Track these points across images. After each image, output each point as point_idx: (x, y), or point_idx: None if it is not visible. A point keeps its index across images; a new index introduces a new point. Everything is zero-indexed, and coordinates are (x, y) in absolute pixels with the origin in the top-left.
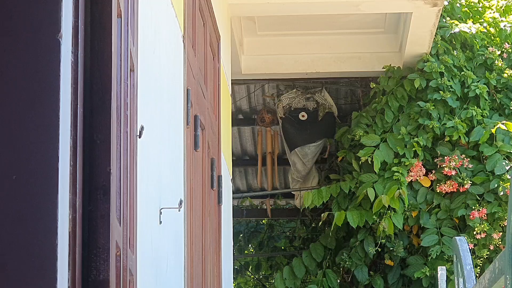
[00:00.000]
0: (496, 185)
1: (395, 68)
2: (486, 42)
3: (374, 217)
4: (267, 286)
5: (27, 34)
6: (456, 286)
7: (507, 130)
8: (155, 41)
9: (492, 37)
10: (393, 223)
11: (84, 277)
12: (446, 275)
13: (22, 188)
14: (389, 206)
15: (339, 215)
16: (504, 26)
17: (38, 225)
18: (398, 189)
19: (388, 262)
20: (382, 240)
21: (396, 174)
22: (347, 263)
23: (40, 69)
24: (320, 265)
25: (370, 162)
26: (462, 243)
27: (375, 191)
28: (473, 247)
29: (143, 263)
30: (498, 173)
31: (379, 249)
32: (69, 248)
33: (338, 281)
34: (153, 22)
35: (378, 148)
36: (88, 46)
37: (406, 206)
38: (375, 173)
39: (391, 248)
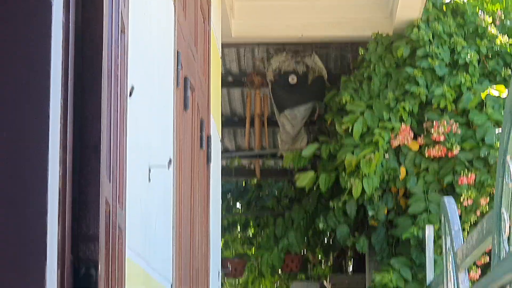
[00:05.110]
0: (486, 153)
1: (383, 36)
2: (478, 8)
3: (343, 175)
4: (254, 243)
5: None
6: (444, 245)
7: (498, 97)
8: (146, 3)
9: (484, 4)
10: (363, 187)
11: (74, 233)
12: (434, 236)
13: (12, 145)
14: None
15: (304, 176)
16: None
17: (28, 181)
18: (373, 152)
19: (372, 222)
20: (347, 197)
21: (376, 137)
22: (323, 226)
23: (31, 30)
24: (299, 228)
25: (350, 131)
26: (450, 203)
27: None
28: (460, 213)
29: (132, 220)
30: (488, 143)
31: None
32: (59, 204)
33: (321, 242)
34: None
35: (363, 115)
36: (79, 7)
37: (377, 170)
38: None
39: (370, 214)
